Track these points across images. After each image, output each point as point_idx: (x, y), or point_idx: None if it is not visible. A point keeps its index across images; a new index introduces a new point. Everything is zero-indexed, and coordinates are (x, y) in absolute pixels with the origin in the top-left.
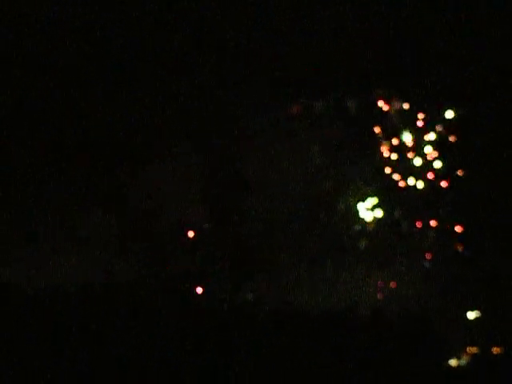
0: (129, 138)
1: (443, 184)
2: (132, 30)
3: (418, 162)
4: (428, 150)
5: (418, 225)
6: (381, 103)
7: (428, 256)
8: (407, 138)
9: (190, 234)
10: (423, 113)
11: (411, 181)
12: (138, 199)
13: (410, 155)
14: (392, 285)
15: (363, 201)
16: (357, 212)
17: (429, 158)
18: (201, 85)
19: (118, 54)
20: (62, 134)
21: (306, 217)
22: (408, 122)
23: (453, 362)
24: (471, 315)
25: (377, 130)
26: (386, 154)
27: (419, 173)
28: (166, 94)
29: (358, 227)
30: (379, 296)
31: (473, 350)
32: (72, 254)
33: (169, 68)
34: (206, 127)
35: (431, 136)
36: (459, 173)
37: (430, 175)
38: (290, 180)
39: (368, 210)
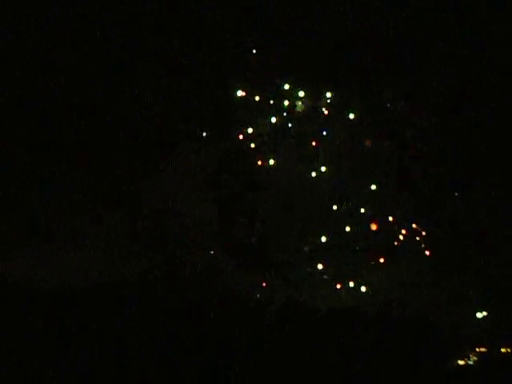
0: (139, 138)
1: None
2: (146, 33)
3: None
4: None
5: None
6: None
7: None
8: None
9: None
10: None
11: None
12: (149, 198)
13: None
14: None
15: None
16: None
17: None
18: (210, 87)
19: (134, 56)
20: (75, 133)
21: (313, 216)
22: None
23: (461, 362)
24: (480, 315)
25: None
26: None
27: None
28: (175, 95)
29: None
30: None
31: (481, 349)
32: (82, 253)
33: (179, 71)
34: (215, 128)
35: None
36: None
37: None
38: (298, 180)
39: None
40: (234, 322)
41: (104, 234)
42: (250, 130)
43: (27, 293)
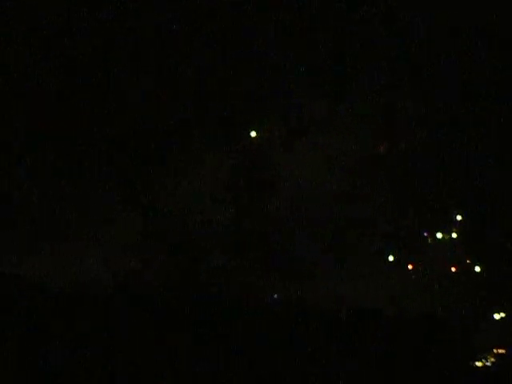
0: (153, 141)
1: None
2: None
3: None
4: None
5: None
6: None
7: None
8: None
9: None
10: None
11: None
12: (165, 199)
13: None
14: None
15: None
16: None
17: None
18: (226, 93)
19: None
20: (90, 133)
21: (323, 217)
22: None
23: (479, 363)
24: (498, 316)
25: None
26: None
27: None
28: (188, 97)
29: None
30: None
31: (500, 350)
32: (96, 253)
33: (197, 77)
34: (231, 132)
35: None
36: None
37: None
38: (311, 182)
39: None
40: (249, 321)
41: (118, 235)
42: (254, 134)
43: (40, 292)
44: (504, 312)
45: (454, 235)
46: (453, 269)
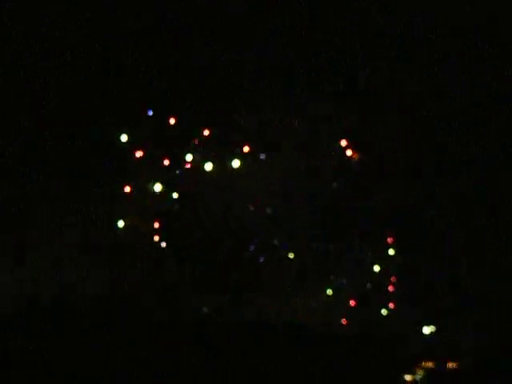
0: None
1: None
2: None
3: None
4: None
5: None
6: None
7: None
8: None
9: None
10: None
11: None
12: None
13: None
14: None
15: None
16: None
17: None
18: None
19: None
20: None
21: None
22: None
23: (408, 377)
24: (427, 330)
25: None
26: None
27: None
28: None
29: None
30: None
31: (428, 364)
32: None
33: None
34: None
35: None
36: None
37: None
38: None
39: None
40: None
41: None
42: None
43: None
44: (433, 325)
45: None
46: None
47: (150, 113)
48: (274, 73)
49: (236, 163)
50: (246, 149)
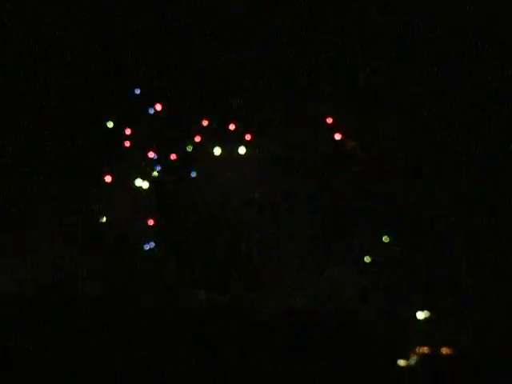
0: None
1: None
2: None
3: None
4: None
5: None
6: None
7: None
8: None
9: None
10: None
11: None
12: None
13: None
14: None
15: None
16: None
17: None
18: None
19: None
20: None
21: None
22: None
23: (402, 362)
24: (421, 315)
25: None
26: None
27: None
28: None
29: None
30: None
31: (423, 349)
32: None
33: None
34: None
35: None
36: None
37: None
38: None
39: None
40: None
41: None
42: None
43: None
44: (427, 310)
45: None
46: None
47: (151, 111)
48: (273, 73)
49: (242, 150)
50: (247, 137)
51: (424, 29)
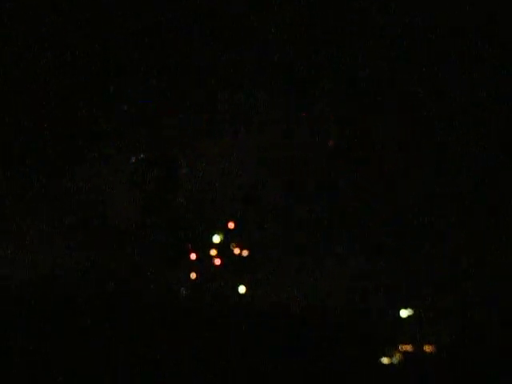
0: (64, 134)
1: None
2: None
3: None
4: None
5: None
6: None
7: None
8: None
9: None
10: None
11: None
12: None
13: None
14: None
15: None
16: None
17: None
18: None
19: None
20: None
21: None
22: None
23: (385, 360)
24: (404, 313)
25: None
26: None
27: None
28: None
29: None
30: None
31: (405, 347)
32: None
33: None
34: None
35: None
36: None
37: None
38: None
39: None
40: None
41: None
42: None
43: None
44: (410, 308)
45: None
46: None
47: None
48: (274, 72)
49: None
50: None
51: (424, 29)
